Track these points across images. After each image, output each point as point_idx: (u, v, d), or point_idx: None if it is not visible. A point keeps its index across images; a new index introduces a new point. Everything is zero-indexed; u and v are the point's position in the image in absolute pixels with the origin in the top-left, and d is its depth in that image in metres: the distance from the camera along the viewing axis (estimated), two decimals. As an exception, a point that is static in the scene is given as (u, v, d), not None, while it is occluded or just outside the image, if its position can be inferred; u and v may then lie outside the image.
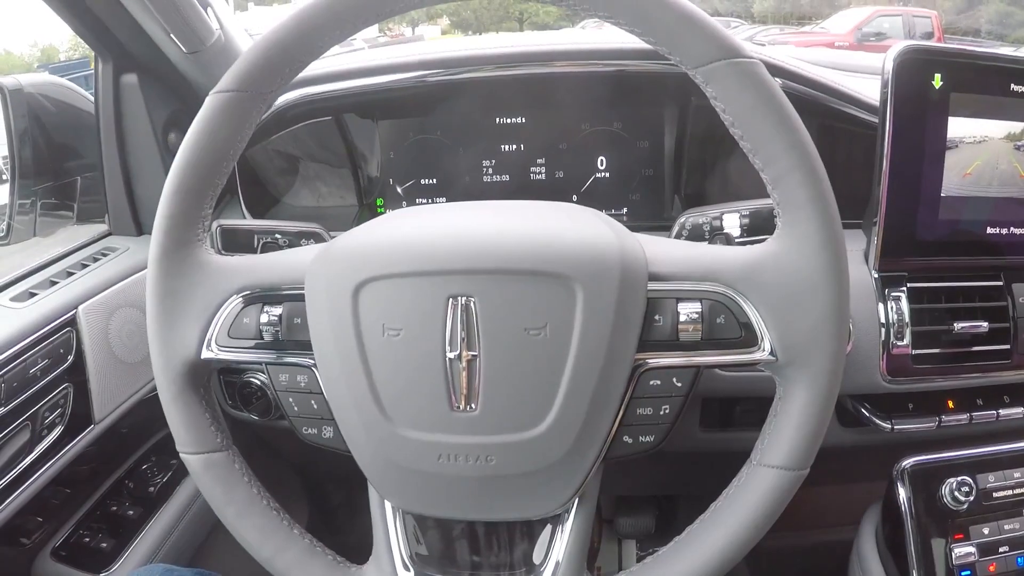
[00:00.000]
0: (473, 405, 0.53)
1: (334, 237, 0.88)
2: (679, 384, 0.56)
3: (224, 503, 0.60)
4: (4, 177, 1.08)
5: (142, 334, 0.93)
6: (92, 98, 1.06)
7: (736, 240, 0.80)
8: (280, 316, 0.58)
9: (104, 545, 0.96)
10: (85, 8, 0.92)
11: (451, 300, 0.53)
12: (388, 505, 0.60)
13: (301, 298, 0.58)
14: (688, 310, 0.54)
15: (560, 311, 0.52)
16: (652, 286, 0.54)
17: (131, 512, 1.00)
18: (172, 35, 0.93)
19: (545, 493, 0.55)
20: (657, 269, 0.54)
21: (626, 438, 0.56)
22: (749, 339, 0.54)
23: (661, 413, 0.56)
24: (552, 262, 0.53)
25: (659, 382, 0.56)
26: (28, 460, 0.80)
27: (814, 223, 0.51)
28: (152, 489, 1.04)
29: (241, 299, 0.59)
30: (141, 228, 1.08)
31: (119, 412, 0.92)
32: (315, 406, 0.60)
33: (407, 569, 0.59)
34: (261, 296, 0.59)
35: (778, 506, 0.54)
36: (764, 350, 0.53)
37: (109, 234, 1.09)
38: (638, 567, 0.57)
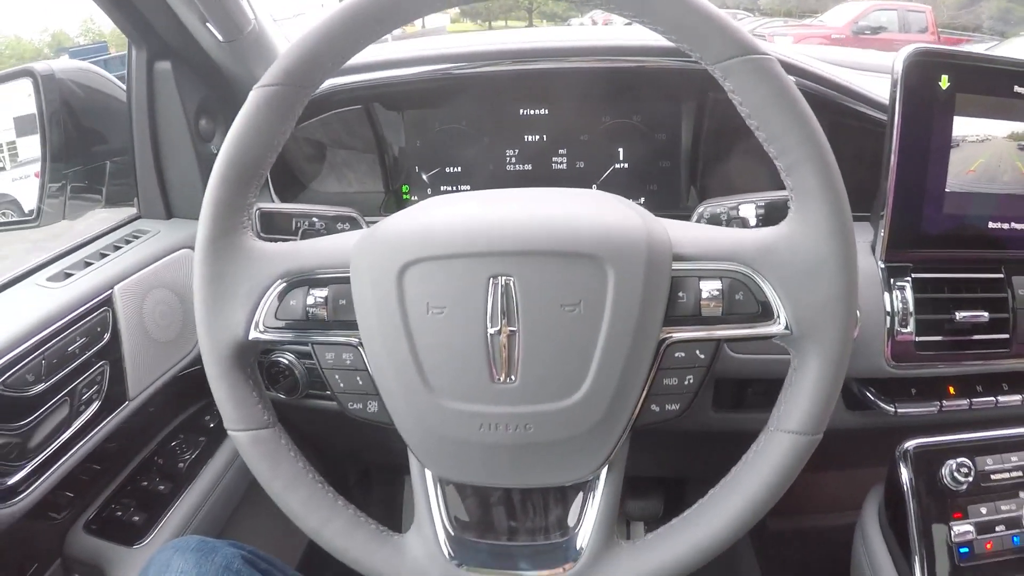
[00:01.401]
0: (513, 377, 0.56)
1: (368, 221, 0.92)
2: (702, 356, 0.61)
3: (271, 477, 0.62)
4: (20, 160, 1.11)
5: (174, 314, 0.96)
6: (118, 83, 1.08)
7: (751, 228, 0.83)
8: (326, 298, 0.61)
9: (136, 519, 0.97)
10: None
11: (492, 280, 0.56)
12: (428, 474, 0.63)
13: (345, 280, 0.60)
14: (709, 288, 0.57)
15: (593, 289, 0.56)
16: (676, 266, 0.58)
17: (161, 487, 1.02)
18: (209, 24, 0.94)
19: (578, 460, 0.59)
20: (680, 250, 0.58)
21: (653, 406, 0.60)
22: (766, 314, 0.57)
23: (685, 383, 0.61)
24: (585, 244, 0.56)
25: (683, 354, 0.60)
26: (66, 435, 0.82)
27: (825, 209, 0.54)
28: (181, 465, 1.05)
29: (285, 283, 0.62)
30: (171, 211, 1.10)
31: (151, 390, 0.94)
32: (360, 382, 0.63)
33: (448, 535, 0.62)
34: (305, 280, 0.62)
35: (794, 469, 0.57)
36: (780, 324, 0.57)
37: (138, 217, 1.11)
38: (665, 528, 0.61)
